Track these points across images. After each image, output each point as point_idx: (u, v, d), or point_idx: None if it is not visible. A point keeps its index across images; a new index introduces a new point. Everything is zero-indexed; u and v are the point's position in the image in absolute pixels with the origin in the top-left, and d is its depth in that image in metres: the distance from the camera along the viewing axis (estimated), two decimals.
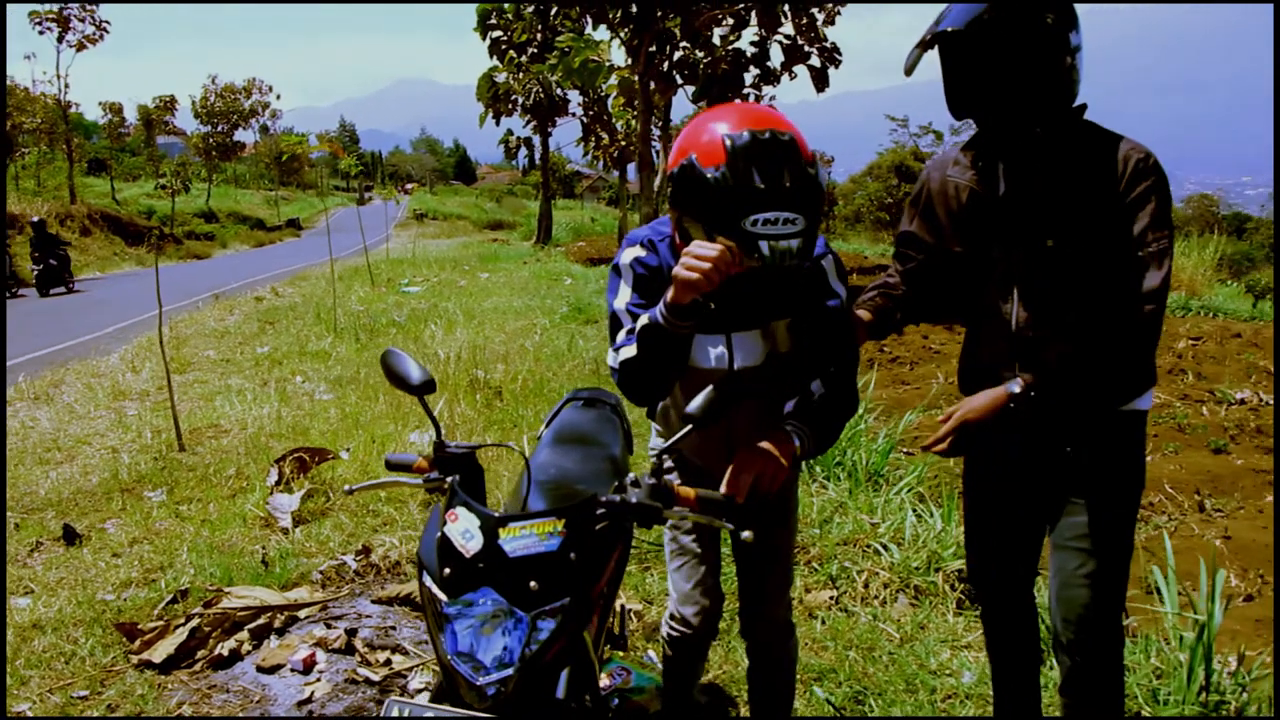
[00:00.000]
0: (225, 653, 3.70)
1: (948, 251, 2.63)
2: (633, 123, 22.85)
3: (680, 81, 16.74)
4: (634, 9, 14.74)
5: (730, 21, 16.02)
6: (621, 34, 15.64)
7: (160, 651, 3.67)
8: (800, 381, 2.31)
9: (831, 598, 4.11)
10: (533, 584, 1.76)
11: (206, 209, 43.75)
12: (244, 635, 3.82)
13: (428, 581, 1.82)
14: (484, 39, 26.41)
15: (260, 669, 3.63)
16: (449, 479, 1.96)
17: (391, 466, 2.13)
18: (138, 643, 3.75)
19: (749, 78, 16.28)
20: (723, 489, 2.09)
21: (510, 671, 1.73)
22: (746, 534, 1.88)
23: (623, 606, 2.96)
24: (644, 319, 2.08)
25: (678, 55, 16.28)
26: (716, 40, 16.28)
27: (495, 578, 1.77)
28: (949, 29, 2.34)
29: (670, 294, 1.99)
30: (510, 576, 1.76)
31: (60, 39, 34.97)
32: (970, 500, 2.78)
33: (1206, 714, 3.14)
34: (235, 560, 4.50)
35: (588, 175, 74.57)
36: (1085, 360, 2.31)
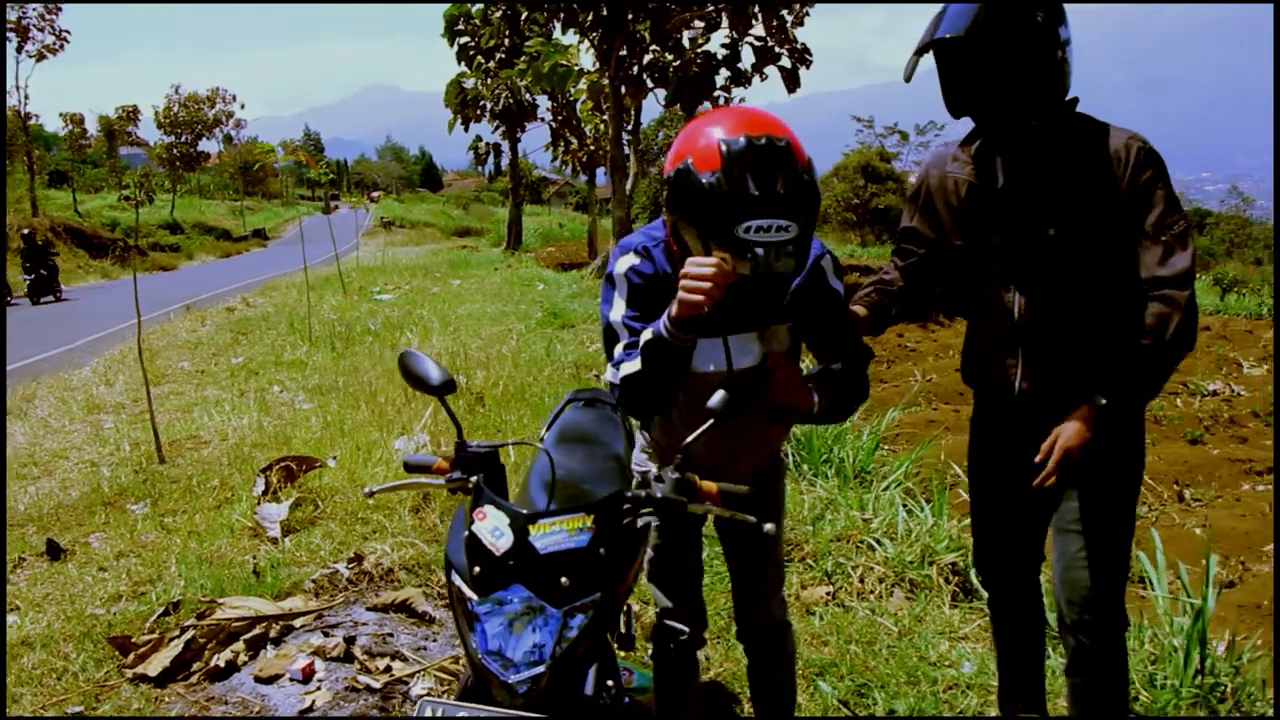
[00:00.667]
0: (221, 664, 3.66)
1: (949, 245, 2.68)
2: (601, 127, 22.82)
3: (651, 85, 16.76)
4: (604, 12, 14.73)
5: (700, 24, 16.08)
6: (591, 37, 15.63)
7: (155, 664, 3.62)
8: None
9: (828, 593, 4.14)
10: (564, 580, 1.76)
11: (171, 220, 43.11)
12: (240, 646, 3.78)
13: (457, 580, 1.82)
14: (452, 45, 26.28)
15: (258, 679, 3.59)
16: (473, 478, 1.96)
17: (411, 468, 2.12)
18: (131, 656, 3.70)
19: (720, 79, 16.32)
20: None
21: (541, 669, 1.73)
22: (769, 526, 1.89)
23: (629, 607, 2.96)
24: (647, 334, 2.08)
25: (648, 58, 16.30)
26: (686, 43, 16.31)
27: (526, 575, 1.77)
28: (946, 36, 2.37)
29: (674, 309, 2.01)
30: (541, 573, 1.77)
31: (19, 49, 34.42)
32: (975, 491, 2.82)
33: (1202, 695, 3.20)
34: (226, 571, 4.45)
35: (554, 180, 74.47)
36: (1150, 354, 2.33)
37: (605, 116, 18.67)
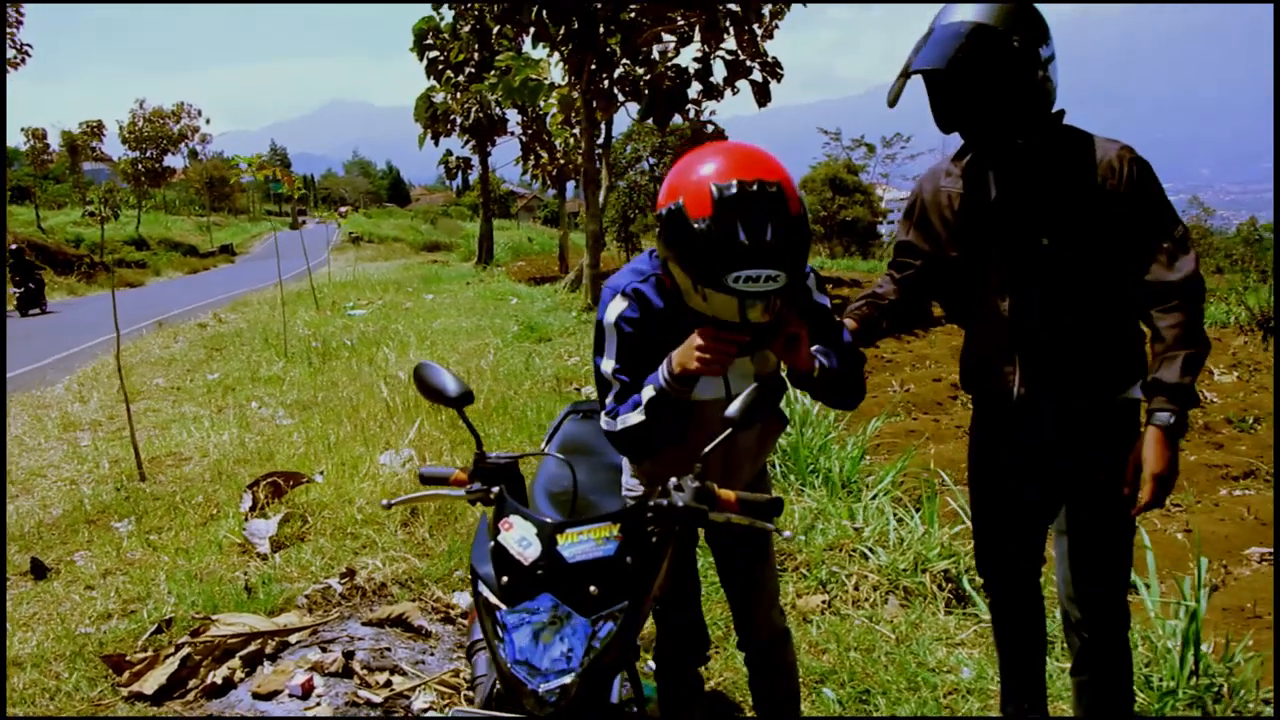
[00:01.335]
0: (218, 681, 3.63)
1: (945, 257, 2.73)
2: (571, 141, 22.80)
3: (622, 99, 16.80)
4: (576, 26, 14.76)
5: (673, 39, 16.14)
6: (563, 51, 15.63)
7: (151, 682, 3.59)
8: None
9: (824, 602, 4.17)
10: (592, 589, 1.78)
11: (137, 236, 42.55)
12: (236, 663, 3.75)
13: (484, 591, 1.83)
14: (421, 59, 26.21)
15: (257, 695, 3.56)
16: (494, 489, 1.97)
17: (427, 480, 2.12)
18: (126, 674, 3.66)
19: (692, 93, 16.39)
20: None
21: (570, 678, 1.74)
22: (788, 533, 1.92)
23: None
24: (650, 391, 2.12)
25: (619, 72, 16.33)
26: (656, 56, 16.36)
27: (554, 584, 1.78)
28: (925, 69, 2.43)
29: (677, 367, 2.06)
30: (569, 582, 1.78)
31: None
32: (975, 496, 2.86)
33: (1198, 696, 3.25)
34: (217, 588, 4.41)
35: (522, 195, 74.35)
36: (1188, 360, 2.35)
37: (576, 130, 18.66)
